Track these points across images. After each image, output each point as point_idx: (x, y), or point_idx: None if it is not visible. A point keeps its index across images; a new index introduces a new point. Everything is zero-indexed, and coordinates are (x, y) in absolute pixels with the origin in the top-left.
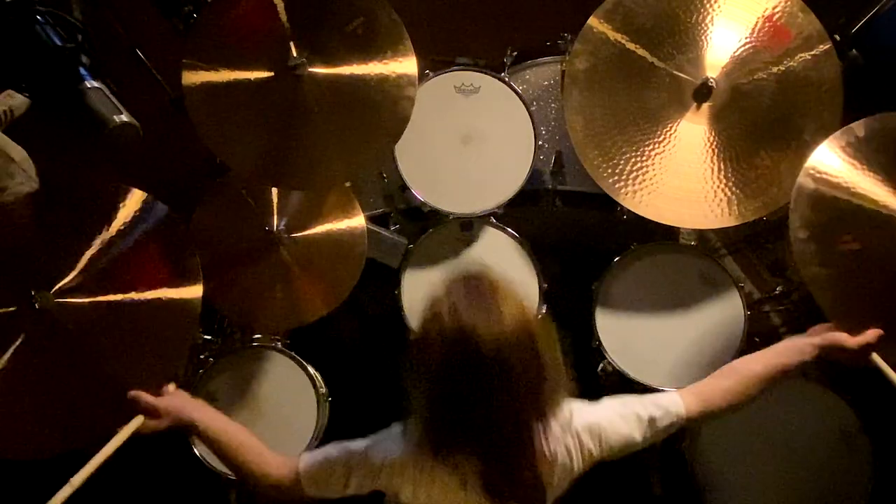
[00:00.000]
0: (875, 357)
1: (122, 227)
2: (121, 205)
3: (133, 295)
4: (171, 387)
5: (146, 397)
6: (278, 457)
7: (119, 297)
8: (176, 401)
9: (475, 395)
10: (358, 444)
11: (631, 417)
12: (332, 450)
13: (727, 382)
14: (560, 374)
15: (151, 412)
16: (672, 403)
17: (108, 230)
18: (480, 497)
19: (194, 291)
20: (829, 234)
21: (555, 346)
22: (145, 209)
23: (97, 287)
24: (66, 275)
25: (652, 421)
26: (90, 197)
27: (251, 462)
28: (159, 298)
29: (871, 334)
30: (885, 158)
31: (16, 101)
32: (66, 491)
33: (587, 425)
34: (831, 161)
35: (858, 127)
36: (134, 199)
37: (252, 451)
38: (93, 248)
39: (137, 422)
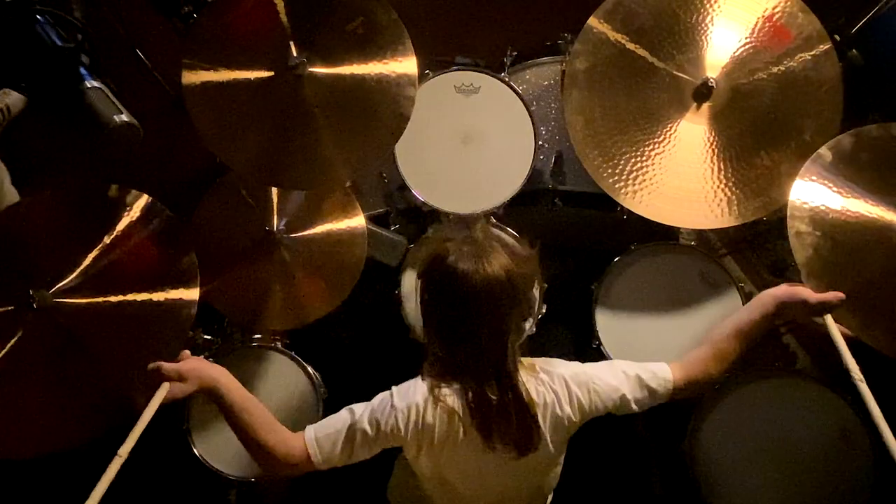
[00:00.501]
0: (828, 319)
1: (125, 231)
2: (126, 209)
3: (131, 297)
4: (188, 353)
5: (167, 364)
6: (288, 431)
7: (117, 298)
8: (196, 362)
9: (467, 322)
10: (359, 411)
11: (618, 372)
12: (335, 420)
13: (702, 350)
14: (533, 308)
15: (175, 377)
16: (659, 369)
17: (111, 233)
18: (477, 437)
19: (191, 293)
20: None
21: (532, 288)
22: (148, 212)
23: (96, 288)
24: (68, 276)
25: (639, 379)
26: (95, 199)
27: (265, 432)
28: (156, 299)
29: (833, 295)
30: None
31: (12, 98)
32: (116, 462)
33: (574, 374)
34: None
35: (825, 152)
36: (138, 204)
37: (267, 420)
38: (95, 250)
39: (165, 388)
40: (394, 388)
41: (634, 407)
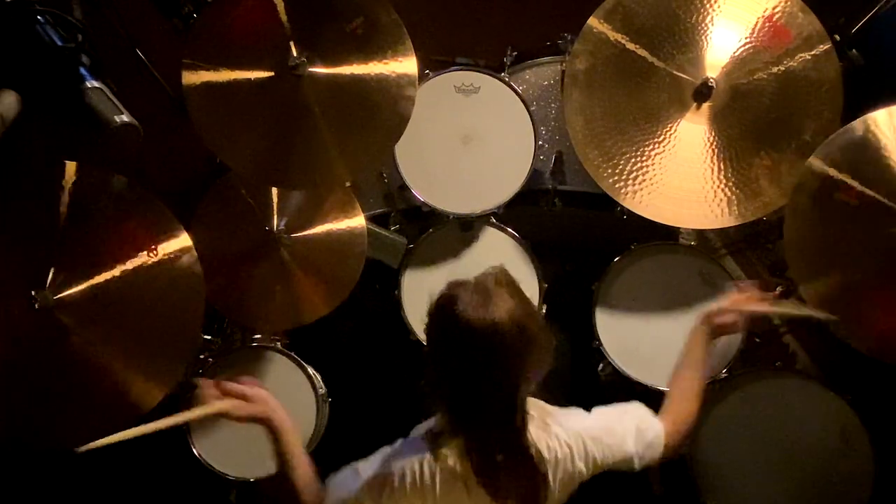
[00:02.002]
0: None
1: (74, 204)
2: (61, 181)
3: (121, 268)
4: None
5: (234, 385)
6: (320, 489)
7: (109, 274)
8: (263, 390)
9: (473, 372)
10: (363, 473)
11: (630, 428)
12: (343, 486)
13: (673, 398)
14: (546, 358)
15: (239, 396)
16: (652, 423)
17: (60, 211)
18: (483, 495)
19: (183, 241)
20: (835, 182)
21: (544, 336)
22: (96, 182)
23: (86, 273)
24: (49, 270)
25: (640, 432)
26: (32, 185)
27: (303, 484)
28: (152, 272)
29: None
30: None
31: (4, 105)
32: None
33: (587, 428)
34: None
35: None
36: (70, 172)
37: (309, 474)
38: (78, 239)
39: (223, 405)
40: (397, 443)
41: (636, 462)
